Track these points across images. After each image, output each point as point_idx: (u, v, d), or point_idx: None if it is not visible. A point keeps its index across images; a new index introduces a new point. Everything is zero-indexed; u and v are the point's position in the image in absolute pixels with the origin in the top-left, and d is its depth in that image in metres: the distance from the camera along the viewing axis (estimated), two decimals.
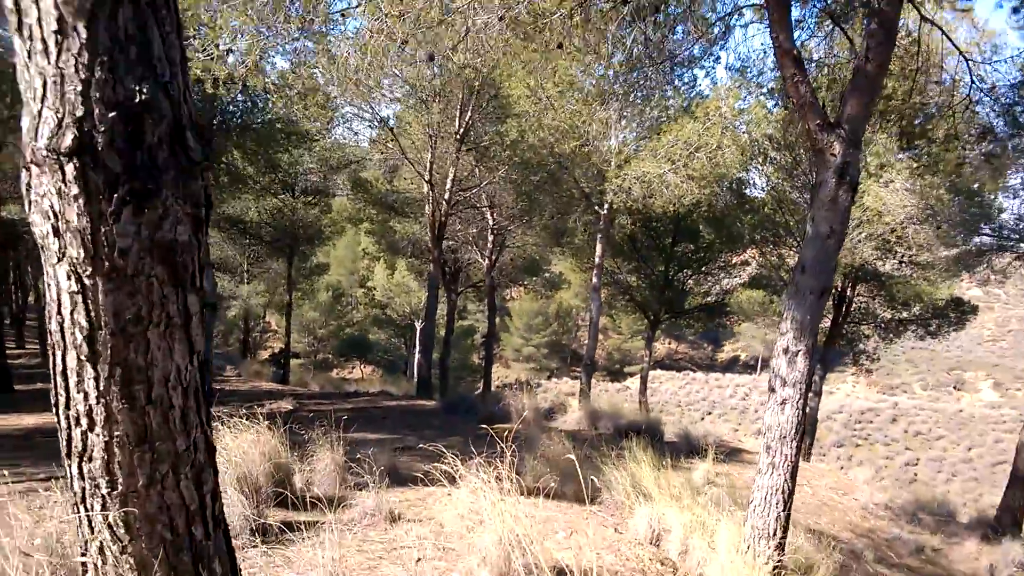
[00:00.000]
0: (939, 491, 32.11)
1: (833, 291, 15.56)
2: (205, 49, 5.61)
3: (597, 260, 13.16)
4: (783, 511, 5.12)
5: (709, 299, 18.68)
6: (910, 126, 6.40)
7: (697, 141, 10.43)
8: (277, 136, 10.26)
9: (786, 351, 4.99)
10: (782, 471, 5.08)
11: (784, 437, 5.04)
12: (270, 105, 10.46)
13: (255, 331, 47.30)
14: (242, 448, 5.19)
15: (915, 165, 8.79)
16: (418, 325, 26.78)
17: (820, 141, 4.81)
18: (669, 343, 67.49)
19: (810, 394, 16.65)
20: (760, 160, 13.76)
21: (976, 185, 10.18)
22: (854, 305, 15.39)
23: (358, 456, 6.79)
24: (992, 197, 11.00)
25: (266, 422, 5.42)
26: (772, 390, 5.09)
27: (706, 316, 18.85)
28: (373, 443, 8.96)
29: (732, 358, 67.71)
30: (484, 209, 17.59)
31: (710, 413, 43.54)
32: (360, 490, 5.61)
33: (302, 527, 4.48)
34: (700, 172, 10.68)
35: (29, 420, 8.78)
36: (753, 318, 16.03)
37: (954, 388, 53.72)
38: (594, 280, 13.25)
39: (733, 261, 18.24)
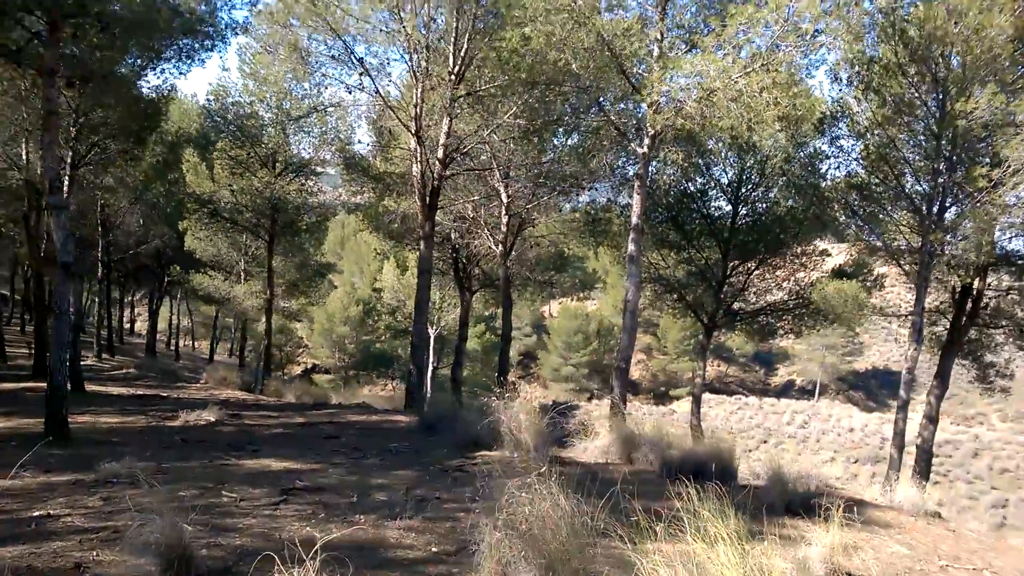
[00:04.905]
0: None
1: (954, 284, 11.60)
2: None
3: (635, 220, 9.15)
4: None
5: (779, 296, 14.76)
6: None
7: (784, 24, 6.81)
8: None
9: None
10: None
11: None
12: None
13: (287, 345, 45.25)
14: None
15: None
16: (432, 332, 23.35)
17: None
18: (718, 365, 62.49)
19: (923, 420, 12.73)
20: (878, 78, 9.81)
21: None
22: (983, 301, 11.36)
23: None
24: None
25: None
26: None
27: (776, 317, 14.87)
28: (266, 477, 5.53)
29: (787, 382, 62.41)
30: (494, 180, 14.20)
31: (766, 441, 38.92)
32: None
33: None
34: (788, 76, 7.04)
35: None
36: (843, 317, 12.02)
37: None
38: (631, 247, 9.03)
39: (811, 250, 14.33)
